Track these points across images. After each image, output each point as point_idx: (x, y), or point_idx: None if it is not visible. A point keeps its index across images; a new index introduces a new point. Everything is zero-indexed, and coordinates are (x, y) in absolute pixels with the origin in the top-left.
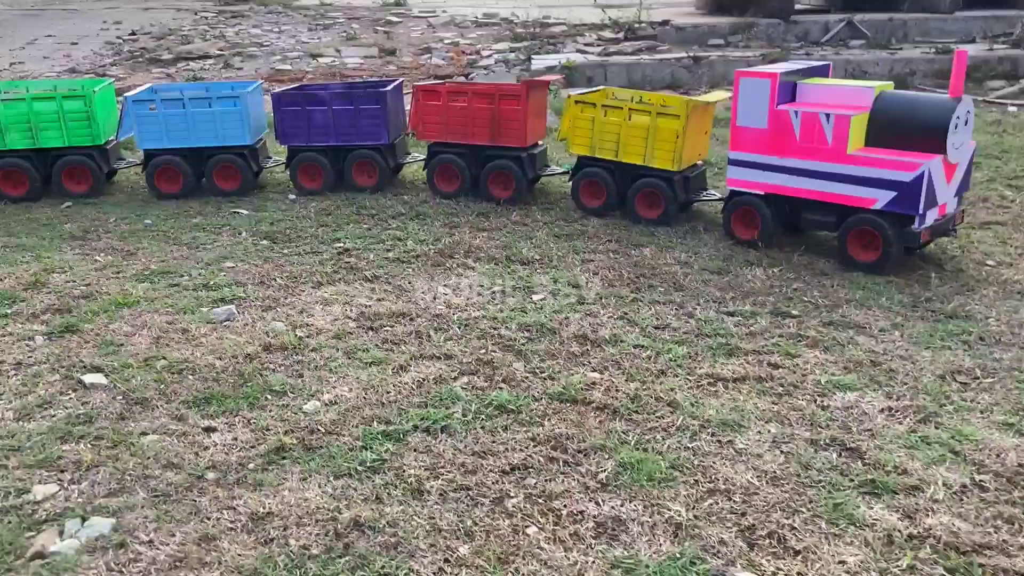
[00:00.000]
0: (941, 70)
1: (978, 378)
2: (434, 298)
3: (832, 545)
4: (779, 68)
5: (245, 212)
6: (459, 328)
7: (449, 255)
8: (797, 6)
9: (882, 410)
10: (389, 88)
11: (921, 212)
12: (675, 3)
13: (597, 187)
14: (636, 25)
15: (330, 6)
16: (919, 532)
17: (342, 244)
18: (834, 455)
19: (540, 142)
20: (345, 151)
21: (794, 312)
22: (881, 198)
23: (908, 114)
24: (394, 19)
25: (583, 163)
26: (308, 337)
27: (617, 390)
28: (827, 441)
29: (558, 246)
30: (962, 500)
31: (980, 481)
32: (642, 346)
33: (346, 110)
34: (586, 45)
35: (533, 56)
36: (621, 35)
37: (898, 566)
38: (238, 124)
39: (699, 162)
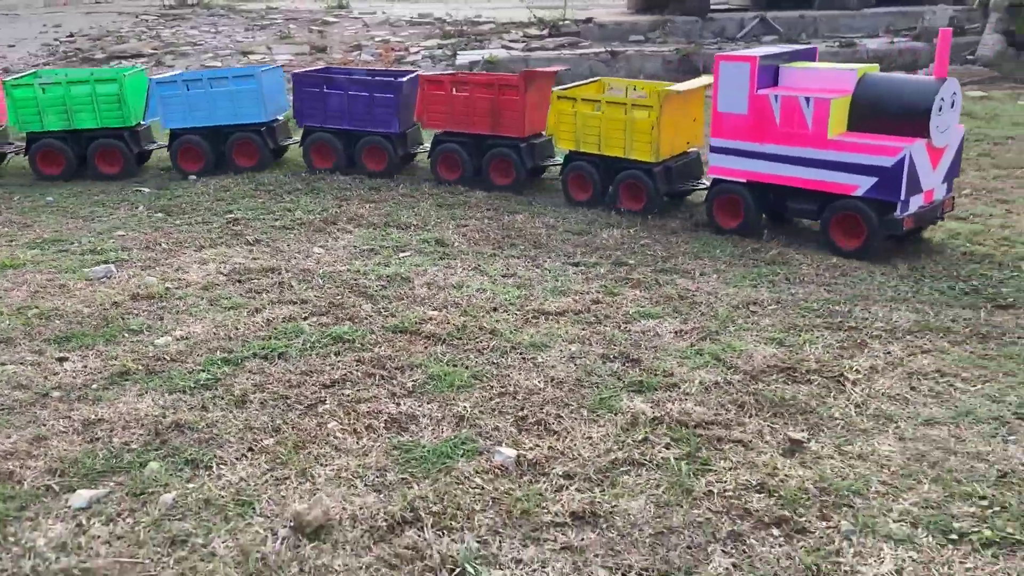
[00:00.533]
0: (846, 62)
1: (767, 307)
2: (306, 256)
3: (587, 427)
4: (760, 52)
5: (147, 190)
6: (321, 280)
7: (332, 222)
8: (713, 4)
9: (672, 332)
10: (405, 79)
11: (903, 199)
12: (608, 4)
13: (584, 180)
14: (561, 23)
15: (275, 9)
16: (660, 415)
17: (233, 215)
18: (617, 365)
19: (544, 133)
20: (357, 136)
21: (631, 262)
22: (863, 184)
23: (891, 97)
24: (331, 20)
25: (570, 157)
26: (177, 289)
27: (448, 323)
28: (615, 355)
29: (438, 214)
30: (707, 392)
31: (729, 379)
32: (484, 290)
33: (361, 96)
34: (511, 41)
35: (459, 52)
36: (546, 32)
37: (634, 438)
38: (254, 102)
39: (690, 150)
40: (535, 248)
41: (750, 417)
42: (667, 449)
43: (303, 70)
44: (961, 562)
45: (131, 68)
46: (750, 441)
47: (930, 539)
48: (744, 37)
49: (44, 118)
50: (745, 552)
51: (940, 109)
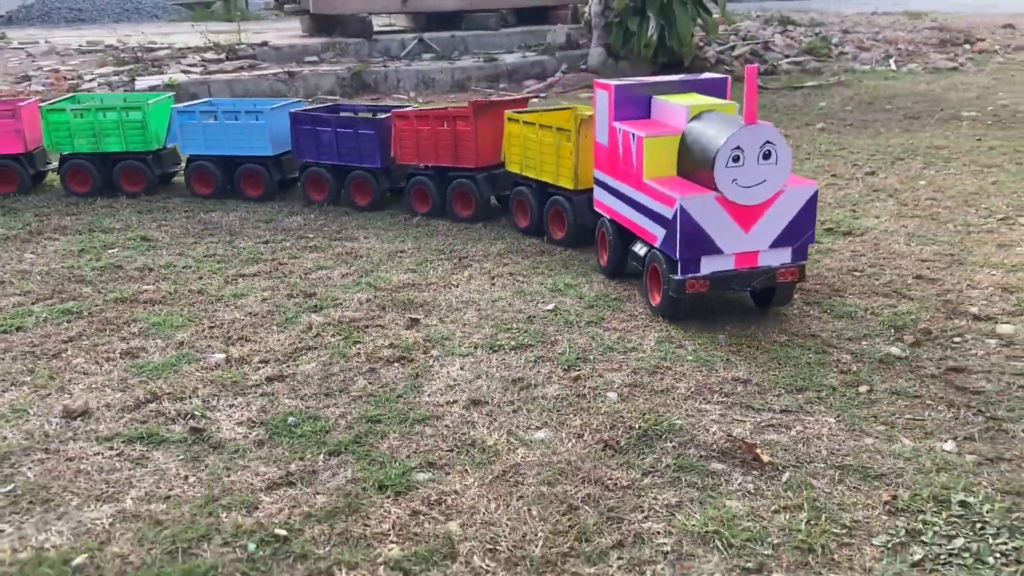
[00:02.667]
0: (490, 75)
1: (409, 253)
2: (19, 261)
3: (277, 335)
4: (656, 79)
5: None
6: (39, 276)
7: (38, 233)
8: (378, 27)
9: (340, 275)
10: (388, 116)
11: (679, 256)
12: (282, 28)
13: (524, 206)
14: (237, 46)
15: None
16: (328, 321)
17: None
18: (299, 299)
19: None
20: (346, 170)
21: (310, 235)
22: (659, 235)
23: (696, 141)
24: None
25: (515, 182)
26: None
27: (161, 291)
28: (297, 293)
29: (139, 218)
30: (361, 304)
31: (376, 295)
32: (190, 267)
33: (347, 133)
34: (189, 65)
35: (137, 77)
36: (223, 56)
37: (310, 336)
38: (261, 136)
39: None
40: (230, 235)
41: (387, 313)
42: (332, 338)
43: (298, 110)
44: (502, 361)
45: (157, 95)
46: (386, 325)
47: (482, 352)
48: (407, 56)
49: (75, 140)
50: (378, 376)
51: (737, 160)
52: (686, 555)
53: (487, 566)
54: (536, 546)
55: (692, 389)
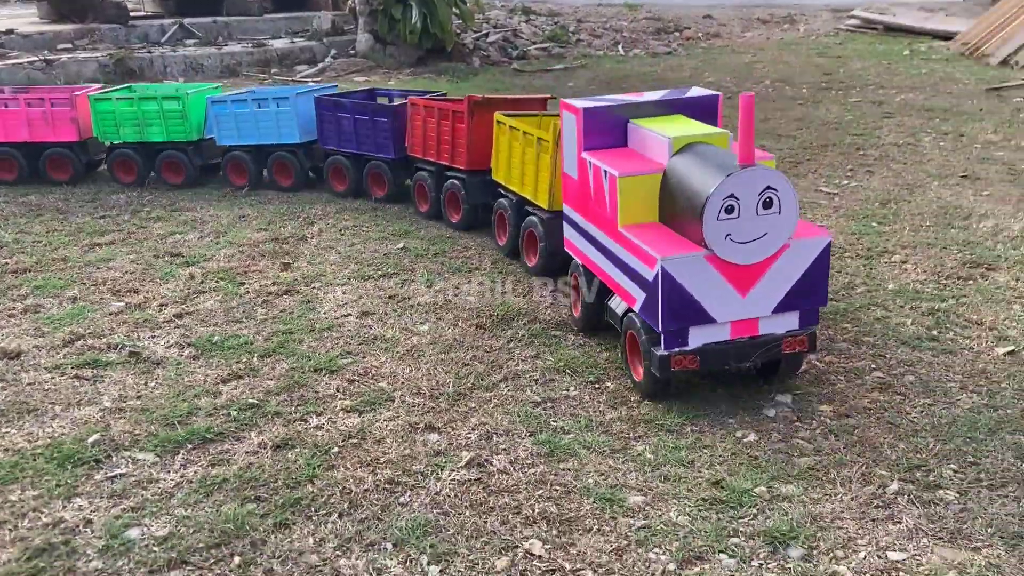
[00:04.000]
0: (260, 60)
1: (254, 217)
2: None
3: (161, 287)
4: (633, 98)
5: None
6: None
7: None
8: (134, 12)
9: (195, 237)
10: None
11: (662, 327)
12: (22, 15)
13: (504, 222)
14: None
15: None
16: (207, 271)
17: None
18: (167, 258)
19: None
20: (364, 160)
21: (146, 208)
22: (637, 298)
23: (682, 183)
24: None
25: (499, 192)
26: None
27: (24, 262)
28: (162, 253)
29: None
30: (231, 258)
31: (242, 250)
32: (40, 242)
33: (363, 120)
34: None
35: None
36: None
37: (195, 285)
38: (289, 123)
39: None
40: (61, 213)
41: (259, 261)
42: (217, 283)
43: (321, 94)
44: (375, 285)
45: (205, 85)
46: (262, 271)
47: (356, 281)
48: (168, 41)
49: (120, 130)
50: (273, 305)
51: (731, 211)
52: (549, 379)
53: (418, 401)
54: (448, 386)
55: (526, 288)
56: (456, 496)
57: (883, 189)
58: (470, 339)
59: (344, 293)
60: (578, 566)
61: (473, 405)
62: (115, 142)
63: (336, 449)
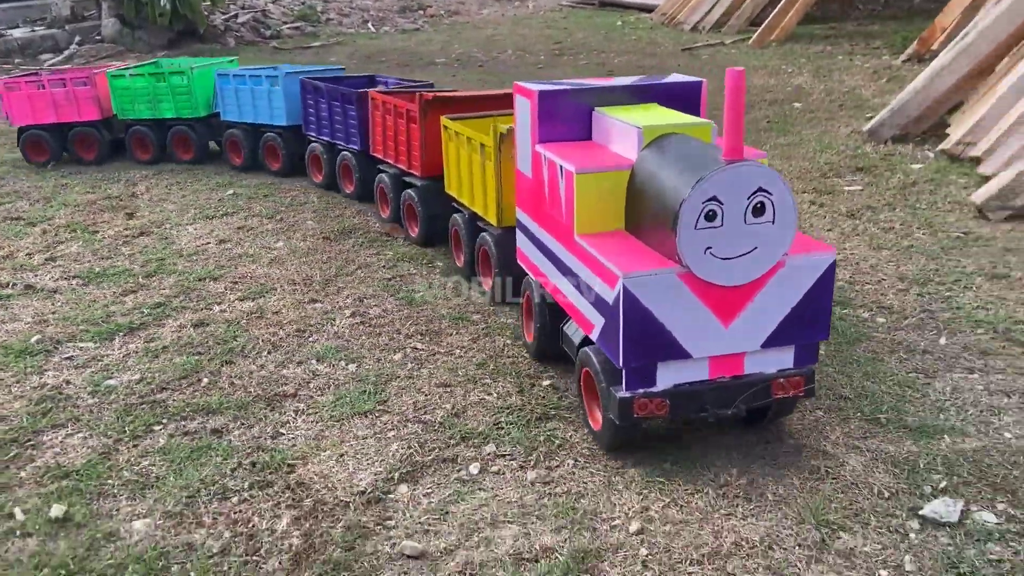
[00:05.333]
0: (0, 51)
1: (76, 185)
2: None
3: (18, 242)
4: (602, 82)
5: None
6: None
7: None
8: None
9: (28, 204)
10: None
11: (624, 362)
12: None
13: (459, 241)
14: None
15: None
16: (56, 227)
17: None
18: (8, 223)
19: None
20: (336, 149)
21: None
22: (595, 324)
23: (652, 181)
24: None
25: (453, 207)
26: None
27: None
28: (113, 207)
29: None
30: (72, 214)
31: (78, 208)
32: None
33: (335, 107)
34: None
35: None
36: None
37: (48, 237)
38: (278, 104)
39: None
40: None
41: (102, 214)
42: (71, 235)
43: (308, 77)
44: (221, 223)
45: (220, 60)
46: (108, 222)
47: (201, 221)
48: None
49: (136, 106)
50: (134, 244)
51: (713, 218)
52: (393, 265)
53: (296, 288)
54: (316, 277)
55: (355, 211)
56: (351, 331)
57: None
58: (321, 247)
59: (196, 229)
60: (448, 349)
61: (341, 285)
62: (132, 118)
63: (244, 321)
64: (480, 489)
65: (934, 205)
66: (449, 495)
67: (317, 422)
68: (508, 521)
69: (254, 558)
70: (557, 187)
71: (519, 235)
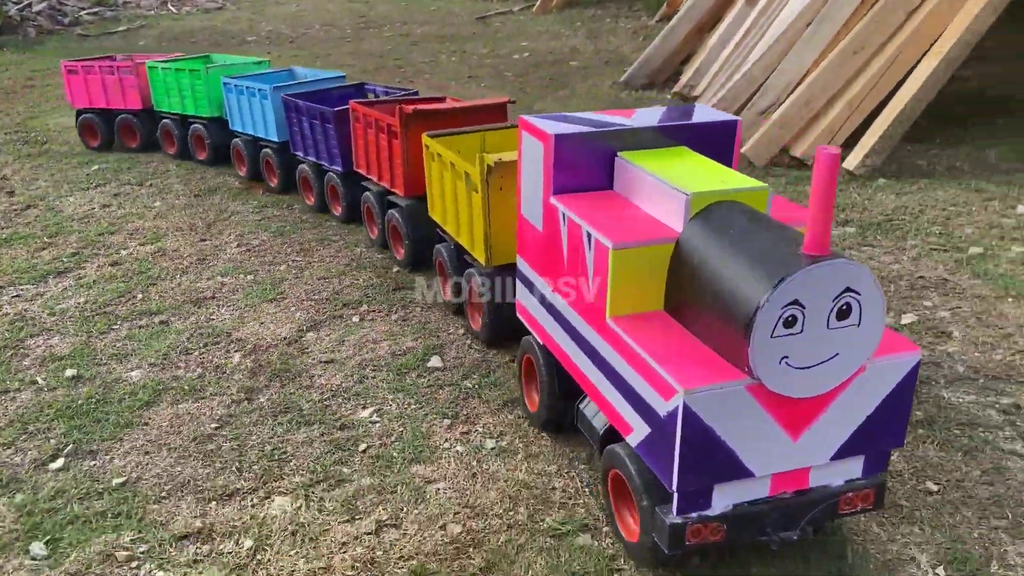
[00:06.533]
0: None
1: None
2: None
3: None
4: (620, 119)
5: None
6: None
7: None
8: None
9: None
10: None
11: (678, 487)
12: None
13: (442, 271)
14: None
15: None
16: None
17: None
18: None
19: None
20: (322, 170)
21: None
22: (637, 428)
23: (707, 266)
24: None
25: (438, 235)
26: None
27: None
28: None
29: None
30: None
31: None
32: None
33: (315, 126)
34: None
35: None
36: None
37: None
38: (270, 119)
39: None
40: None
41: None
42: (34, 211)
43: (288, 93)
44: (69, 195)
45: (251, 60)
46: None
47: (78, 192)
48: None
49: (167, 100)
50: (24, 215)
51: (792, 324)
52: (260, 209)
53: (185, 232)
54: (199, 223)
55: (216, 172)
56: (241, 255)
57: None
58: (194, 203)
59: (76, 199)
60: (320, 259)
61: (222, 227)
62: (164, 111)
63: (151, 258)
64: (361, 328)
65: None
66: (342, 333)
67: (236, 310)
68: (383, 340)
69: (223, 375)
70: (582, 255)
71: (519, 286)
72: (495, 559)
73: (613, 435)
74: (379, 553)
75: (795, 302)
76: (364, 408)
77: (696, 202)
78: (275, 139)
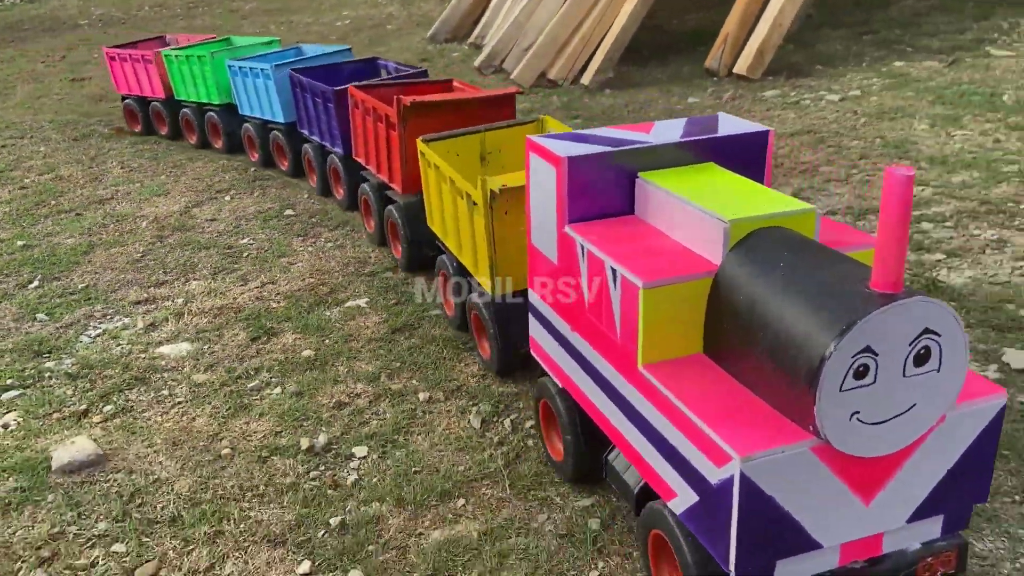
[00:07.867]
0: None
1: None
2: None
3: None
4: (638, 135)
5: None
6: None
7: None
8: None
9: None
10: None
11: (739, 569)
12: None
13: (447, 287)
14: None
15: None
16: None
17: None
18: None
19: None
20: (325, 151)
21: None
22: (682, 494)
23: (755, 306)
24: None
25: (439, 247)
26: None
27: None
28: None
29: None
30: None
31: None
32: None
33: (318, 104)
34: None
35: None
36: None
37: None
38: (275, 99)
39: None
40: None
41: None
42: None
43: (296, 67)
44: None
45: (260, 40)
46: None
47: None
48: None
49: (184, 88)
50: None
51: (863, 374)
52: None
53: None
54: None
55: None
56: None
57: None
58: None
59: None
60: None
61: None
62: (182, 99)
63: (52, 182)
64: (233, 203)
65: (468, 72)
66: (219, 206)
67: (134, 203)
68: (251, 206)
69: (136, 233)
70: (606, 294)
71: (532, 322)
72: (336, 285)
73: (650, 492)
74: (264, 294)
75: (867, 349)
76: (243, 239)
77: (736, 230)
78: (281, 120)
